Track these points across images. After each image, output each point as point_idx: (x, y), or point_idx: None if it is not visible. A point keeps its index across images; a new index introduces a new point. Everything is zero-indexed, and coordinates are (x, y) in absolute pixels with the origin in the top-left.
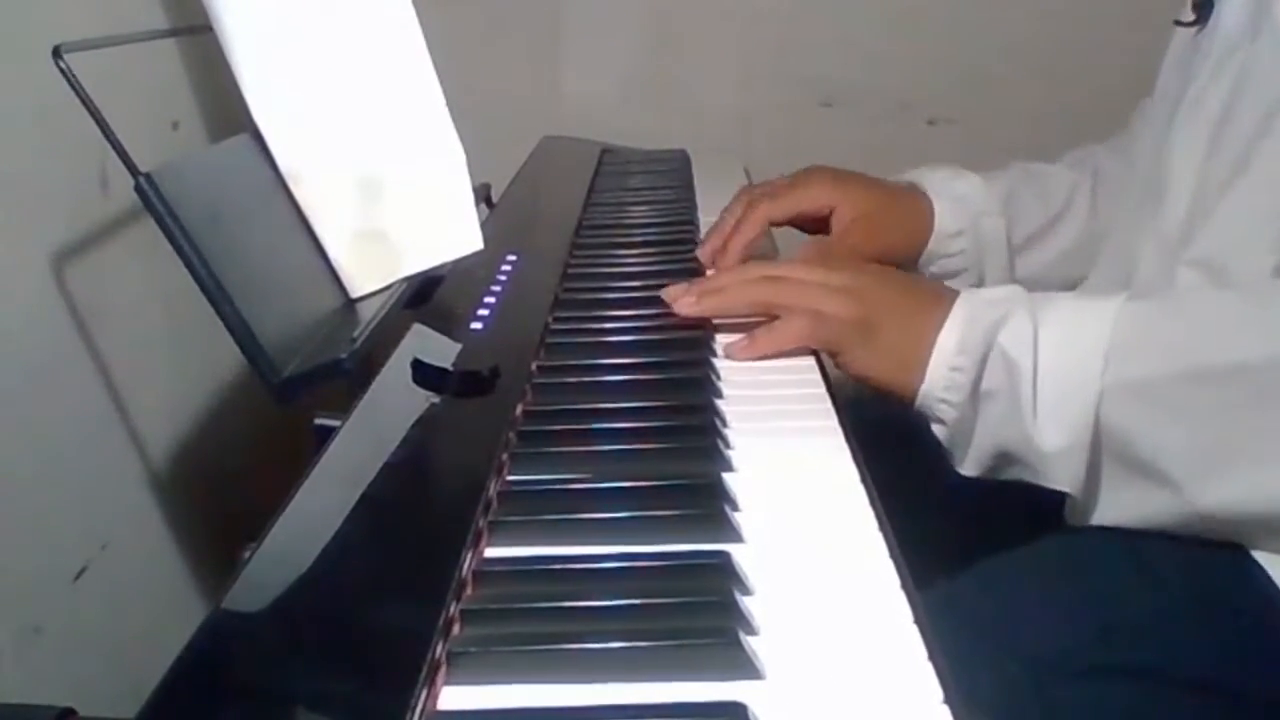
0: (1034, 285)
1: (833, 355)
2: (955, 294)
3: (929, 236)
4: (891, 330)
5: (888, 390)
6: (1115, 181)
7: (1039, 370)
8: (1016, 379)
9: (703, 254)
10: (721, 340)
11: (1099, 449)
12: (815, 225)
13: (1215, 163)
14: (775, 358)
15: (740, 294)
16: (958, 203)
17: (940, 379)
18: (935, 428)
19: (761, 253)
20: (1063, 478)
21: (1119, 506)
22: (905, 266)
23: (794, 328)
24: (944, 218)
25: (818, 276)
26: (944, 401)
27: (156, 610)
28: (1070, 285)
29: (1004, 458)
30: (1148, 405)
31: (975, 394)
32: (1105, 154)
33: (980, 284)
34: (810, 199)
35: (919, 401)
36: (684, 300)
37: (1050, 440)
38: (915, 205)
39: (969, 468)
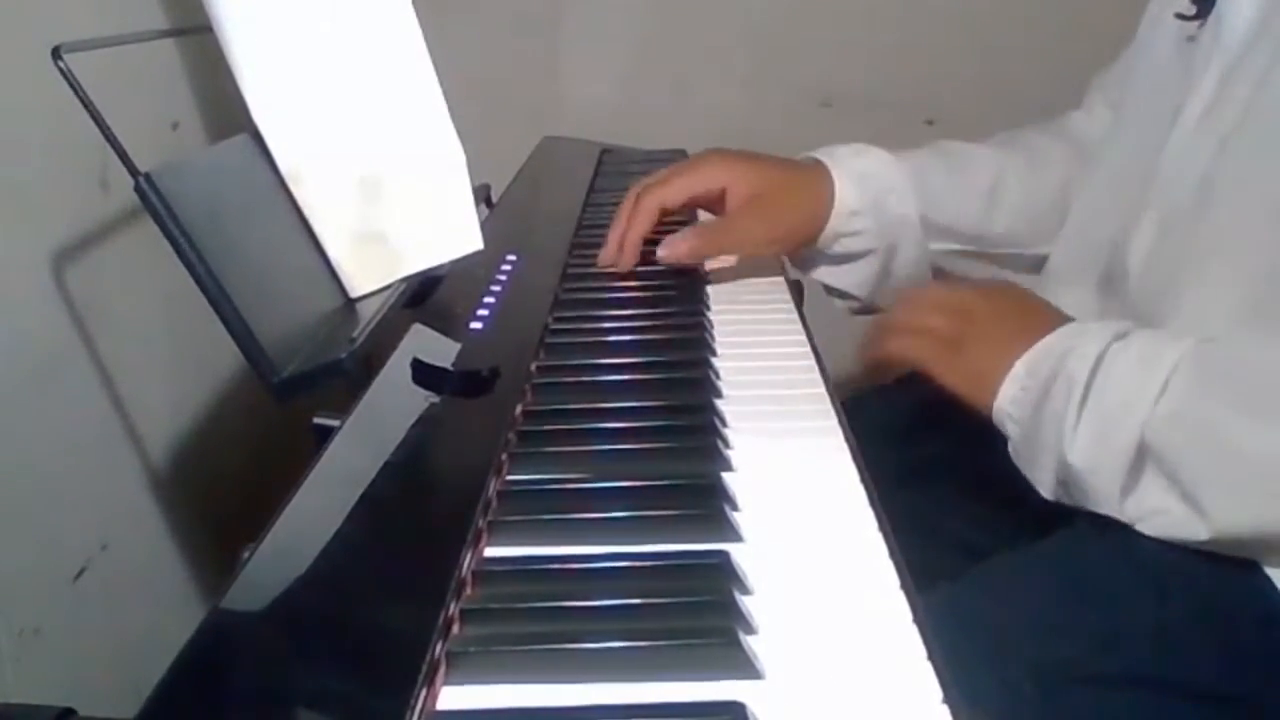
0: (955, 266)
1: (927, 370)
2: (1062, 321)
3: (829, 215)
4: (978, 349)
5: (967, 404)
6: (1060, 164)
7: (1092, 387)
8: (1071, 395)
9: (603, 258)
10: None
11: (1139, 469)
12: (711, 206)
13: (1226, 174)
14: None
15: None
16: (861, 179)
17: (1008, 396)
18: (1010, 447)
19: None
20: (1102, 502)
21: (1162, 522)
22: (806, 246)
23: (886, 343)
24: (844, 195)
25: (938, 298)
26: (1010, 419)
27: (156, 610)
28: (1005, 264)
29: (1061, 473)
30: (1192, 436)
31: (1039, 413)
32: (1040, 135)
33: (889, 264)
34: (701, 181)
35: (995, 418)
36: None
37: (1079, 454)
38: (814, 183)
39: (1042, 488)
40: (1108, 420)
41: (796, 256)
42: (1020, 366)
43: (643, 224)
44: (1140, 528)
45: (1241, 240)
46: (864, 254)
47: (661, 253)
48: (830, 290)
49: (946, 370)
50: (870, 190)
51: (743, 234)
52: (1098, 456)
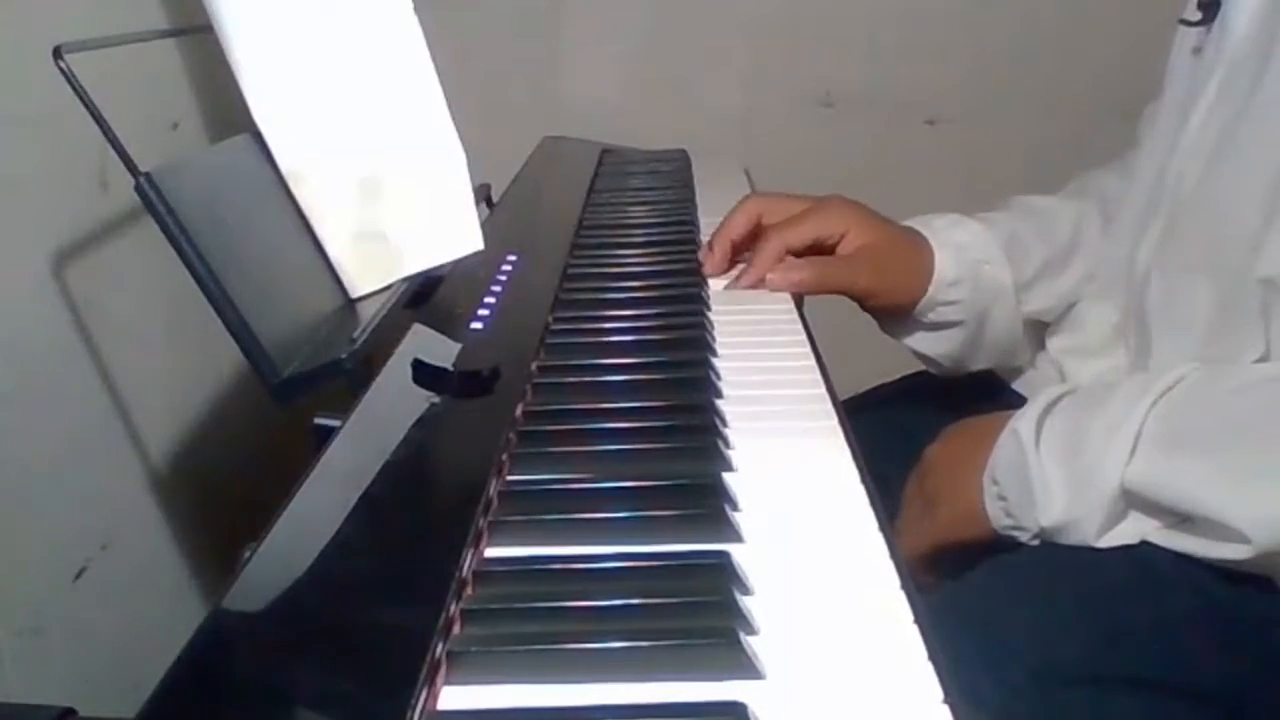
0: (1045, 318)
1: (928, 550)
2: (997, 426)
3: (929, 282)
4: (946, 497)
5: (971, 544)
6: (1121, 201)
7: (1041, 448)
8: (1024, 459)
9: (708, 266)
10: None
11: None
12: (821, 250)
13: (1236, 184)
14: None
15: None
16: (958, 251)
17: (999, 513)
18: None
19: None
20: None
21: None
22: (901, 310)
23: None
24: (944, 266)
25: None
26: (1016, 530)
27: (156, 610)
28: (1090, 309)
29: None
30: (1178, 456)
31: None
32: (1107, 176)
33: (980, 332)
34: (825, 226)
35: (1002, 538)
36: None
37: (1052, 510)
38: (918, 249)
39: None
40: (1074, 475)
41: (889, 322)
42: (989, 483)
43: (764, 268)
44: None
45: (1233, 243)
46: (956, 323)
47: (777, 280)
48: (919, 356)
49: (936, 533)
50: (967, 261)
51: (852, 277)
52: (1076, 507)
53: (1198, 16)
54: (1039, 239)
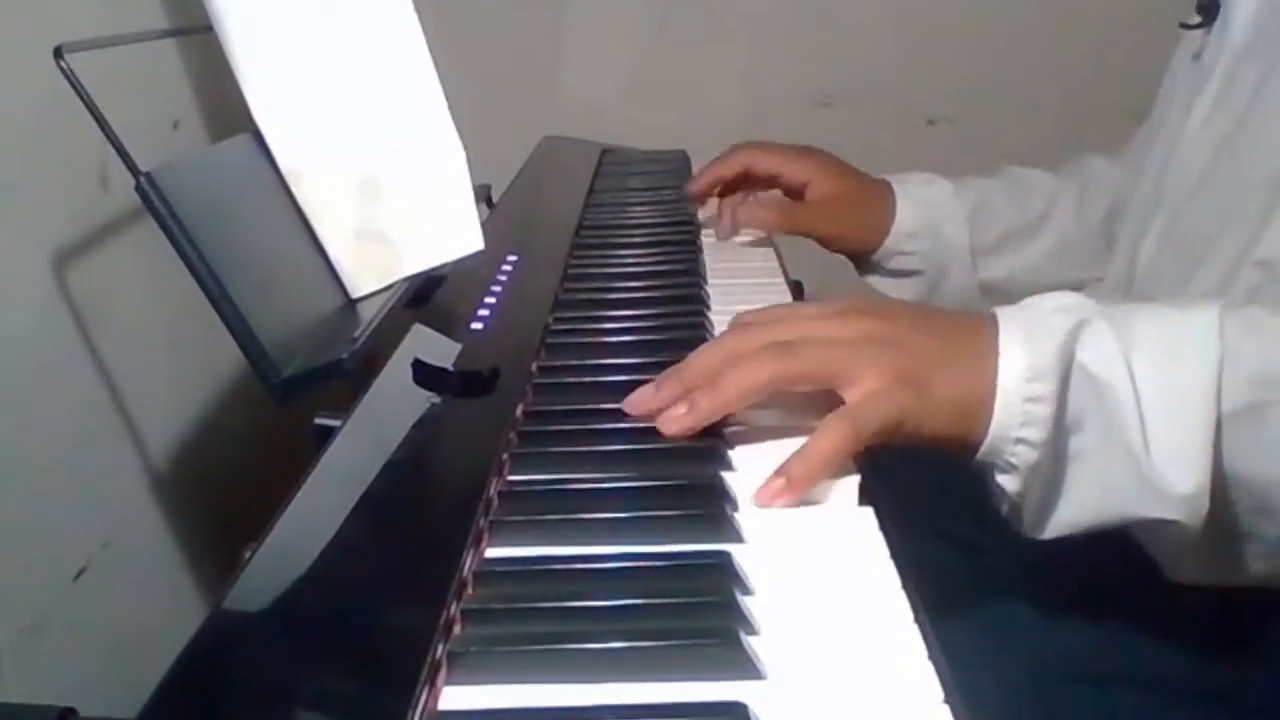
0: (1006, 288)
1: (891, 435)
2: (987, 314)
3: (888, 232)
4: (942, 378)
5: (950, 447)
6: (1108, 190)
7: (1141, 397)
8: (1113, 406)
9: (691, 188)
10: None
11: (1218, 494)
12: (789, 194)
13: (1236, 185)
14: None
15: (743, 380)
16: (922, 205)
17: (1015, 417)
18: (1001, 479)
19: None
20: (1191, 520)
21: (1207, 553)
22: (863, 254)
23: (834, 436)
24: (904, 218)
25: (833, 330)
26: (1021, 442)
27: (156, 610)
28: (1053, 289)
29: (1110, 505)
30: (1266, 436)
31: (1060, 427)
32: (1102, 163)
33: (938, 286)
34: (792, 167)
35: (986, 448)
36: (671, 417)
37: (1176, 483)
38: (881, 200)
39: (1052, 526)
40: (1180, 421)
41: (857, 263)
42: (1013, 368)
43: (724, 170)
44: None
45: (1233, 240)
46: (911, 274)
47: (742, 215)
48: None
49: (917, 422)
50: (927, 217)
51: (816, 221)
52: (1189, 467)
53: (1197, 20)
54: (1009, 208)
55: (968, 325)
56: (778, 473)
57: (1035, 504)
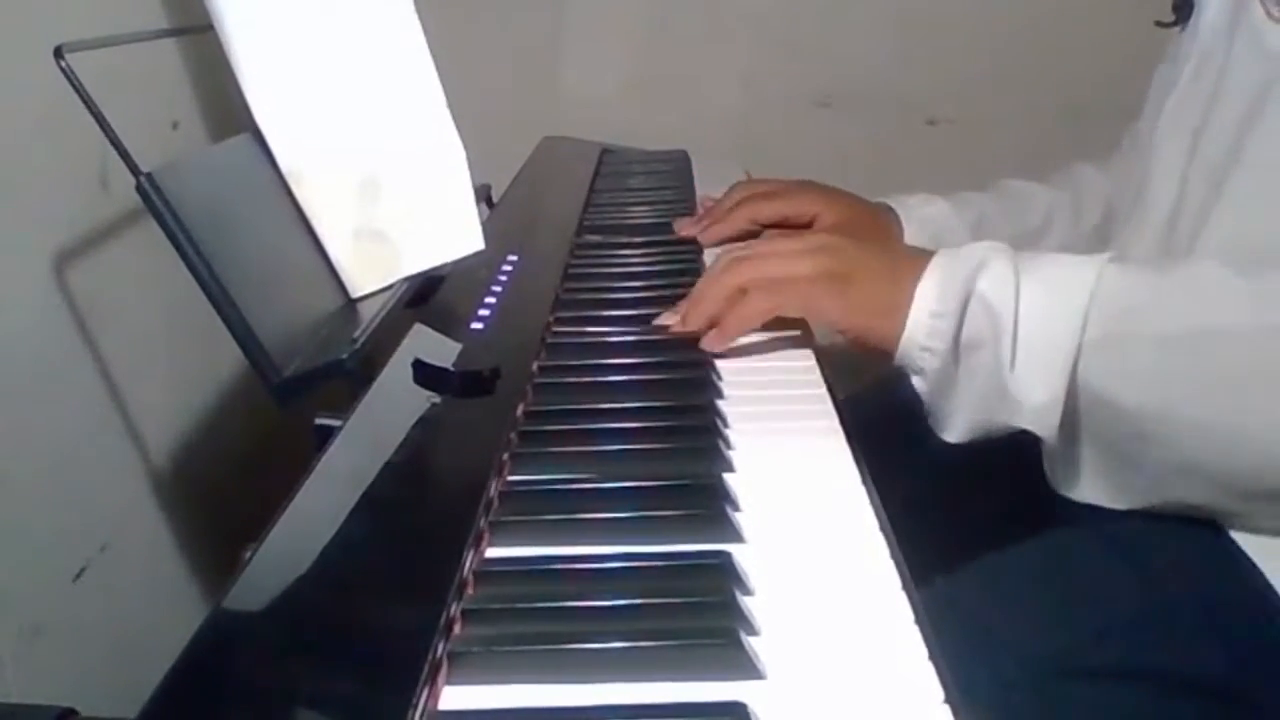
0: None
1: (809, 317)
2: (931, 251)
3: None
4: (867, 280)
5: (867, 341)
6: (1100, 192)
7: (1019, 320)
8: (998, 328)
9: (683, 227)
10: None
11: (1075, 409)
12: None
13: (1197, 170)
14: (750, 334)
15: (716, 290)
16: (923, 224)
17: (922, 327)
18: (915, 381)
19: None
20: (1040, 428)
21: (1097, 476)
22: None
23: (756, 301)
24: (912, 238)
25: (784, 245)
26: (926, 350)
27: (156, 610)
28: None
29: (985, 412)
30: (1125, 367)
31: (957, 343)
32: (1092, 170)
33: None
34: (796, 207)
35: (900, 352)
36: (675, 325)
37: (1028, 394)
38: (887, 221)
39: (954, 430)
40: (1045, 344)
41: None
42: (928, 289)
43: (729, 230)
44: (1092, 490)
45: (1210, 235)
46: None
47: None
48: None
49: (834, 308)
50: (931, 234)
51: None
52: (1041, 384)
53: (1171, 19)
54: (1008, 222)
55: (912, 256)
56: (712, 324)
57: (941, 407)
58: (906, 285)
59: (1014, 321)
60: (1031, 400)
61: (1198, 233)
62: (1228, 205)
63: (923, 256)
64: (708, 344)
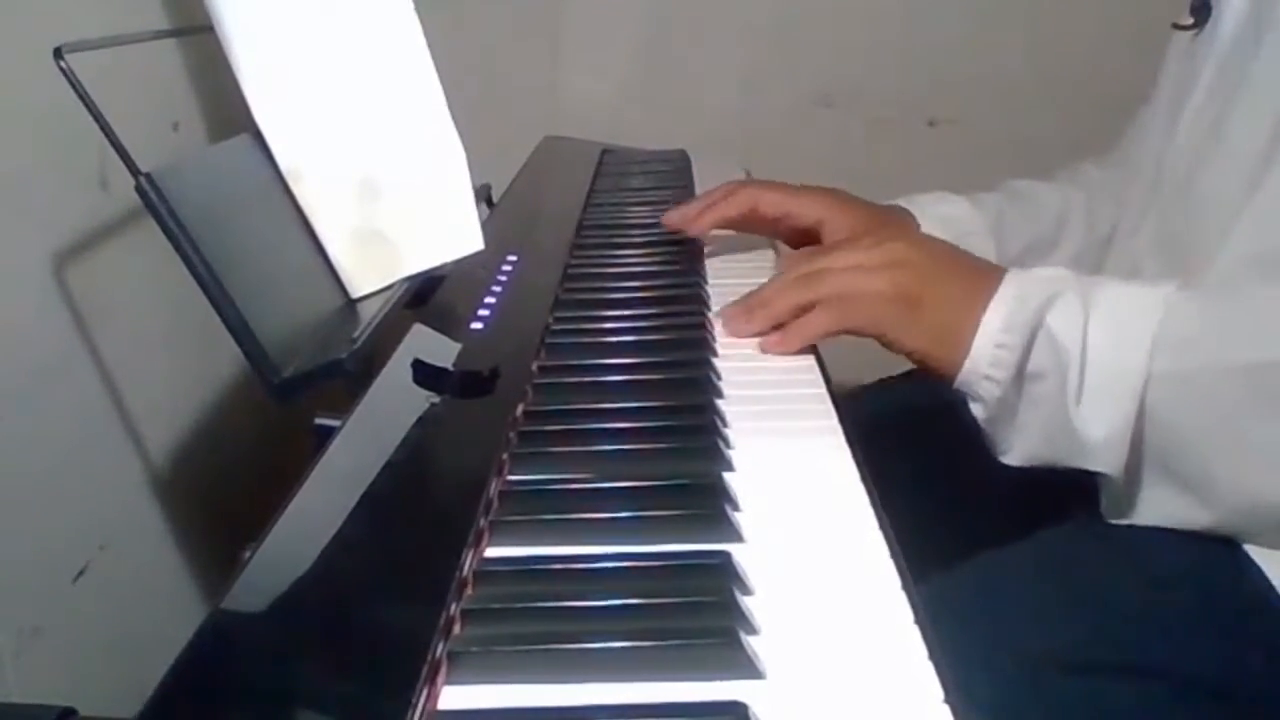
0: None
1: (876, 336)
2: (1002, 270)
3: None
4: (936, 305)
5: (926, 364)
6: (1110, 193)
7: (1087, 356)
8: (1064, 363)
9: (670, 218)
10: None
11: (1140, 440)
12: (801, 238)
13: (1223, 173)
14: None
15: (784, 300)
16: (943, 223)
17: (985, 356)
18: (974, 407)
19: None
20: (1105, 465)
21: (1158, 503)
22: None
23: (824, 318)
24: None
25: (856, 259)
26: (988, 379)
27: (156, 610)
28: None
29: (1047, 444)
30: (1192, 398)
31: (1020, 374)
32: (1096, 169)
33: None
34: (800, 206)
35: (961, 378)
36: (739, 323)
37: (1093, 429)
38: (903, 225)
39: (1012, 455)
40: (1112, 379)
41: None
42: (995, 320)
43: (727, 210)
44: (1153, 515)
45: (1224, 234)
46: None
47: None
48: None
49: (903, 332)
50: (952, 233)
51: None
52: (1106, 419)
53: (1190, 21)
54: (1025, 221)
55: (980, 272)
56: (776, 327)
57: (999, 433)
58: (975, 312)
59: (1081, 357)
60: (1096, 434)
61: (1229, 230)
62: (1263, 201)
63: (991, 278)
64: (768, 346)
